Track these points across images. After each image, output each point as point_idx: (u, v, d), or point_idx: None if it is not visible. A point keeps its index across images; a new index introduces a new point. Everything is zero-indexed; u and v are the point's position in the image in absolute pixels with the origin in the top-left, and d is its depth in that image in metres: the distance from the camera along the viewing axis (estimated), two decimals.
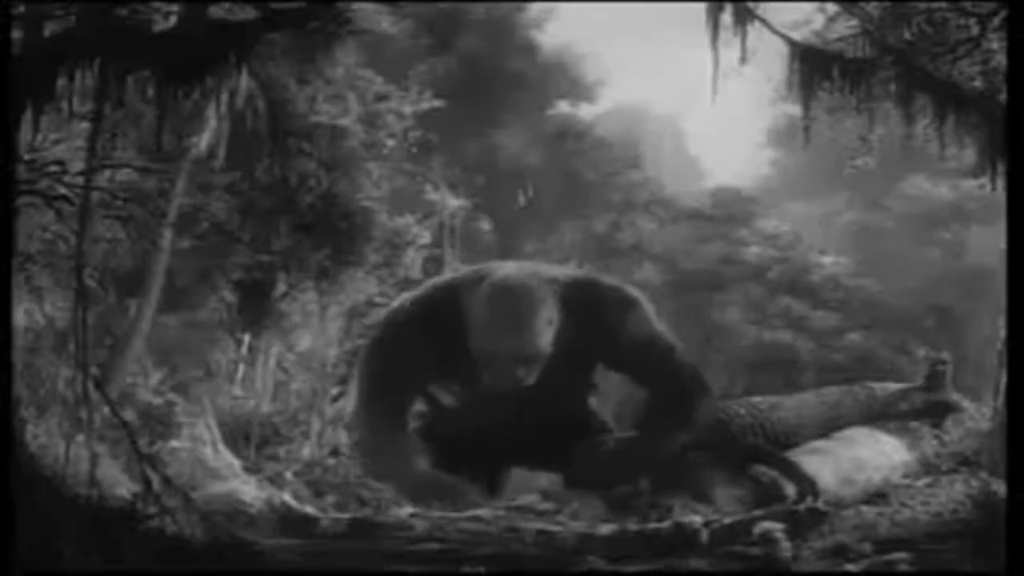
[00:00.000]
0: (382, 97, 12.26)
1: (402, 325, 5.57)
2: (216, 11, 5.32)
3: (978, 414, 6.30)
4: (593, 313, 5.33)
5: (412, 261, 12.76)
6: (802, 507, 4.75)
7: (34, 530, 3.75)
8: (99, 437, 4.92)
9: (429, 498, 5.17)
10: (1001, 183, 5.54)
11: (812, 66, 5.91)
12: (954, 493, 5.37)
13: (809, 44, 6.06)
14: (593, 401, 5.69)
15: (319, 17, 5.41)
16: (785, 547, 4.20)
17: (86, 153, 5.56)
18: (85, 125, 5.47)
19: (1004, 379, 5.27)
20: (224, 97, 5.15)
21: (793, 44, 5.97)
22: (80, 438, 4.71)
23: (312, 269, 10.90)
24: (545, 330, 5.25)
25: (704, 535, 4.28)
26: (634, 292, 5.63)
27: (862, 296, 22.31)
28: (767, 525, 4.26)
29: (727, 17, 5.81)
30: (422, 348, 5.32)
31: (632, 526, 4.53)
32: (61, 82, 4.95)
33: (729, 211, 23.95)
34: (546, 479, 5.17)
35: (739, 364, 20.79)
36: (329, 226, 10.66)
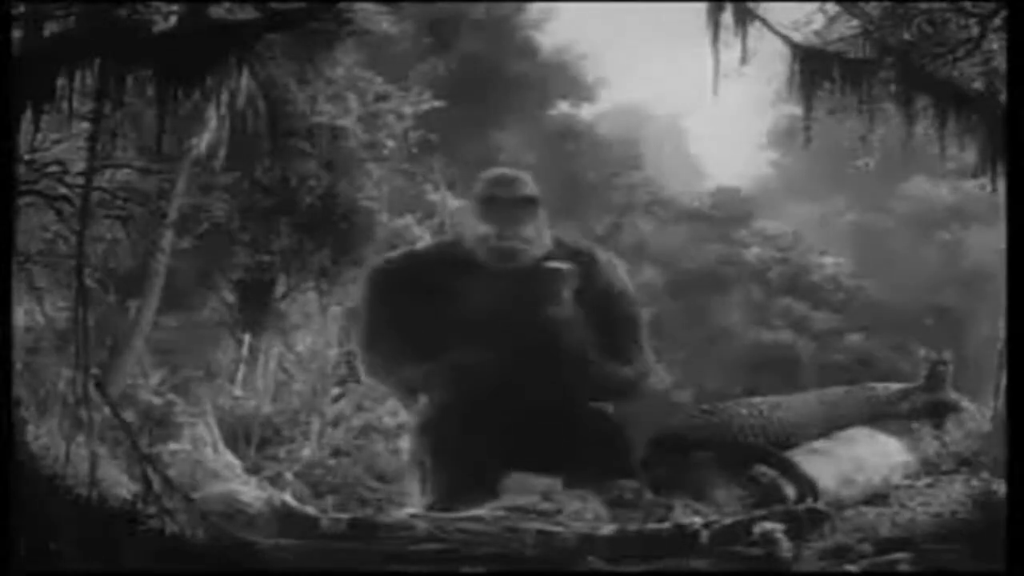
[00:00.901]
0: (382, 97, 12.27)
1: (407, 261, 5.66)
2: (216, 11, 5.32)
3: (979, 414, 6.30)
4: (589, 265, 5.41)
5: None
6: (802, 508, 4.75)
7: (34, 530, 3.75)
8: (99, 438, 4.92)
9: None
10: (1001, 183, 5.54)
11: (813, 67, 5.91)
12: (954, 493, 5.37)
13: (810, 45, 6.06)
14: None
15: (319, 17, 5.41)
16: (786, 547, 4.19)
17: (86, 153, 5.55)
18: (85, 125, 5.47)
19: (1004, 379, 5.27)
20: (224, 97, 5.15)
21: (794, 45, 5.97)
22: (80, 438, 4.71)
23: (312, 269, 10.92)
24: (541, 209, 5.36)
25: (704, 535, 4.27)
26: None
27: (862, 297, 22.34)
28: (768, 526, 4.25)
29: (727, 17, 5.81)
30: (422, 284, 5.35)
31: (632, 527, 4.52)
32: (61, 82, 4.95)
33: (729, 212, 24.00)
34: (545, 481, 5.16)
35: (739, 364, 20.81)
36: (329, 226, 10.68)
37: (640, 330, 5.56)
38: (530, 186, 5.45)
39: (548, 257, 5.33)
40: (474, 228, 5.34)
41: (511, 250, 5.26)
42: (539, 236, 5.37)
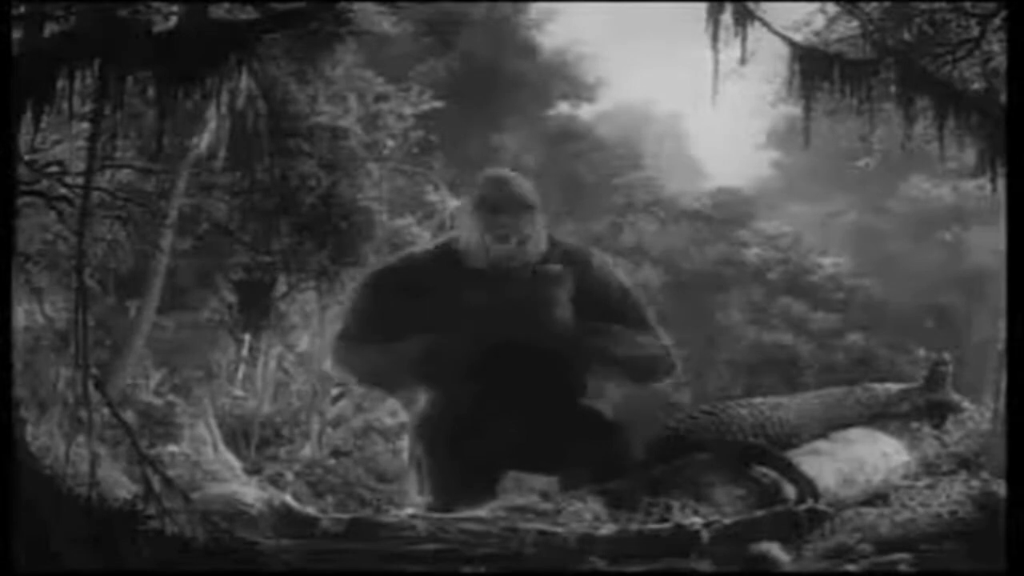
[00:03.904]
0: (382, 97, 12.28)
1: (404, 264, 5.58)
2: (216, 11, 5.32)
3: (978, 414, 6.29)
4: (583, 265, 5.39)
5: None
6: (801, 508, 4.74)
7: (34, 531, 3.75)
8: (99, 438, 4.91)
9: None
10: (1001, 184, 5.55)
11: (812, 67, 5.92)
12: (954, 494, 5.36)
13: (810, 45, 6.06)
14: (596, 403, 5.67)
15: (319, 17, 5.41)
16: (783, 559, 4.19)
17: (86, 154, 5.56)
18: (85, 125, 5.47)
19: (1004, 379, 5.28)
20: (224, 97, 5.14)
21: (794, 45, 5.97)
22: (80, 438, 4.71)
23: (312, 269, 10.91)
24: (540, 213, 5.26)
25: (705, 536, 4.27)
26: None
27: (862, 297, 22.35)
28: (764, 547, 4.23)
29: (727, 17, 5.81)
30: (418, 286, 5.32)
31: (632, 527, 4.52)
32: (61, 82, 4.95)
33: (730, 212, 24.01)
34: (543, 481, 5.16)
35: (740, 364, 20.82)
36: (329, 226, 10.67)
37: (648, 319, 5.53)
38: (527, 189, 5.35)
39: (543, 259, 5.31)
40: (469, 231, 5.30)
41: (507, 251, 5.22)
42: (537, 237, 5.32)
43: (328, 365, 5.96)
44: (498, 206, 5.23)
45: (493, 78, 20.72)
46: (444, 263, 5.39)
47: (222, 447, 6.38)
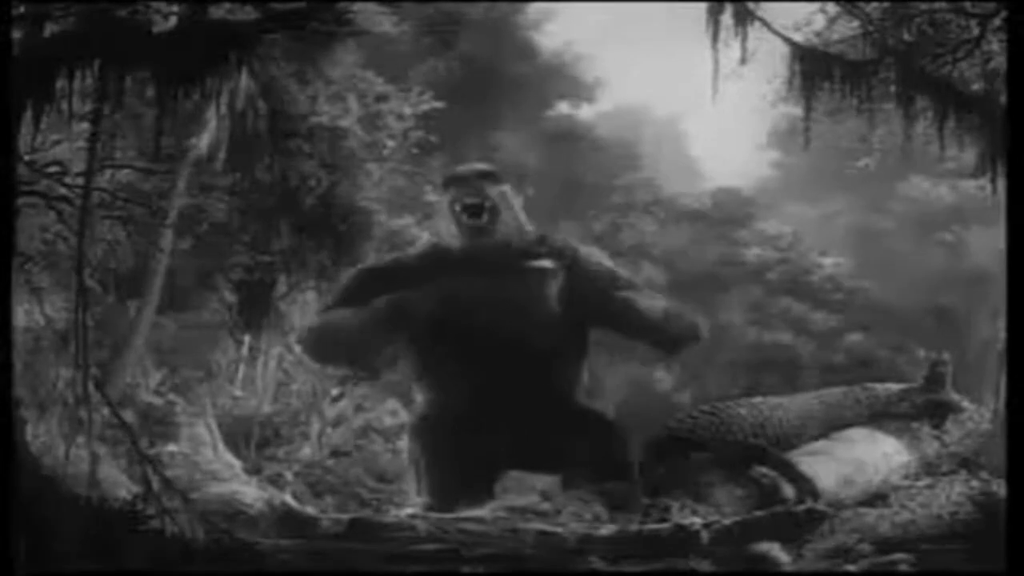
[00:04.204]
0: (382, 98, 12.26)
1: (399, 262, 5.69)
2: (216, 11, 5.32)
3: (978, 415, 6.30)
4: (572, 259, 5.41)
5: None
6: (800, 508, 4.75)
7: (34, 530, 3.75)
8: (99, 438, 4.92)
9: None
10: (1001, 184, 5.55)
11: (813, 67, 5.92)
12: (954, 494, 5.36)
13: (810, 45, 6.07)
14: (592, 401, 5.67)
15: (319, 17, 5.42)
16: (783, 559, 4.19)
17: (86, 154, 5.56)
18: (85, 125, 5.47)
19: (1004, 379, 5.28)
20: (224, 97, 5.15)
21: (794, 45, 5.98)
22: (81, 438, 4.71)
23: (312, 269, 10.90)
24: (506, 185, 5.41)
25: (705, 536, 4.27)
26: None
27: (862, 297, 22.34)
28: (764, 547, 4.24)
29: (727, 17, 5.81)
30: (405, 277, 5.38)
31: (632, 527, 4.52)
32: (61, 82, 4.95)
33: (729, 212, 24.00)
34: (543, 481, 5.16)
35: (739, 365, 20.81)
36: (329, 226, 10.66)
37: (638, 303, 5.52)
38: (488, 166, 5.58)
39: (532, 253, 5.31)
40: (443, 213, 5.41)
41: (480, 226, 5.27)
42: (507, 213, 5.35)
43: (297, 343, 6.07)
44: (460, 177, 5.41)
45: (492, 78, 20.74)
46: (430, 260, 5.41)
47: (222, 447, 6.38)
